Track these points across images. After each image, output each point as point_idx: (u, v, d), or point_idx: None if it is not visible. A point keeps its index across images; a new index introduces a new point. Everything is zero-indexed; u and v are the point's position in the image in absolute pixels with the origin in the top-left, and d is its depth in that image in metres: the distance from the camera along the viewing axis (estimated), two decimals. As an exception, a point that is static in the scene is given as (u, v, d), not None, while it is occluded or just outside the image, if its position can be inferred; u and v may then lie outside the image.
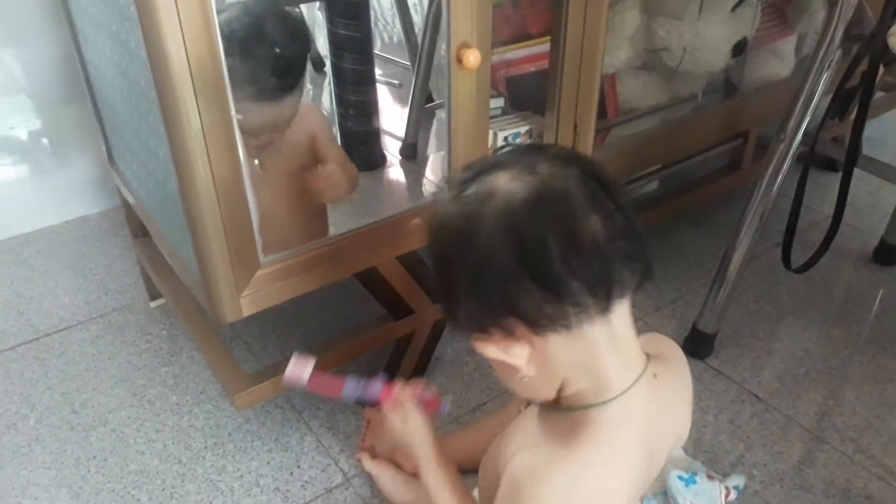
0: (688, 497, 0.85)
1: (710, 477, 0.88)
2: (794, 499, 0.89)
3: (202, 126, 0.69)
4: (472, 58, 0.81)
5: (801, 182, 0.96)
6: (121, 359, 1.12)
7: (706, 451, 0.95)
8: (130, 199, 1.04)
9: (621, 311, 0.57)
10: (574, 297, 0.53)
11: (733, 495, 0.88)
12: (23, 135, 1.38)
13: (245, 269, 0.79)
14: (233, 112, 0.71)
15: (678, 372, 0.64)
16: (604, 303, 0.54)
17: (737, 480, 0.89)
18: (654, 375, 0.60)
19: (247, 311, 0.81)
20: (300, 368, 0.72)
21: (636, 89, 1.11)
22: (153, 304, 1.23)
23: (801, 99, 0.88)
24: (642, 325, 1.15)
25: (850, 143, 0.88)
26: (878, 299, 1.23)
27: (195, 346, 1.13)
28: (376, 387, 0.72)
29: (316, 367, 0.76)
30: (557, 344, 0.56)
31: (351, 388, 0.73)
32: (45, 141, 1.41)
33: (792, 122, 0.89)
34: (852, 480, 0.91)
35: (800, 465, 0.93)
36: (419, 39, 1.36)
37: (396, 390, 0.73)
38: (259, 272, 0.80)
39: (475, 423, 0.96)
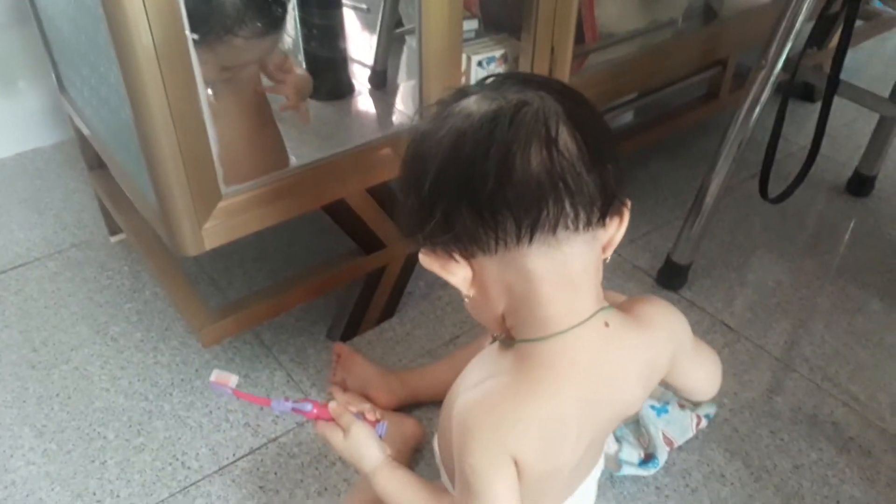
0: (660, 426, 0.86)
1: (681, 406, 0.88)
2: (762, 426, 0.90)
3: (154, 44, 0.64)
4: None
5: (781, 111, 0.93)
6: (81, 295, 1.08)
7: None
8: (84, 130, 0.98)
9: (578, 249, 0.54)
10: (498, 224, 0.52)
11: (704, 423, 0.89)
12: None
13: (206, 200, 0.75)
14: (188, 30, 0.66)
15: (645, 336, 0.61)
16: (529, 230, 0.52)
17: (707, 409, 0.90)
18: (606, 324, 0.58)
19: (209, 244, 0.78)
20: (223, 377, 0.66)
21: (614, 13, 1.06)
22: (113, 240, 1.19)
23: (783, 25, 0.85)
24: (615, 256, 1.14)
25: (831, 70, 0.85)
26: (849, 230, 1.23)
27: (158, 283, 1.10)
28: (307, 405, 0.67)
29: (239, 386, 0.68)
30: (491, 269, 0.55)
31: (279, 404, 0.68)
32: (-10, 67, 1.33)
33: (773, 49, 0.87)
34: (819, 407, 0.93)
35: (769, 392, 0.94)
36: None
37: (331, 406, 0.68)
38: (221, 203, 0.76)
39: (447, 357, 0.95)
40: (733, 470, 0.85)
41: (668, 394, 0.89)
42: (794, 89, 1.54)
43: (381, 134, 0.88)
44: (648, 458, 0.84)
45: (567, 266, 0.54)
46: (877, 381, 0.96)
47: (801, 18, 0.84)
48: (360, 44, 1.35)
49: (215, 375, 0.66)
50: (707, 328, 1.03)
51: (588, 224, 0.53)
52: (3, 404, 0.93)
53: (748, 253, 1.17)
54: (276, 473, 0.85)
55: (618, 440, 0.84)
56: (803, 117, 1.51)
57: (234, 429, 0.90)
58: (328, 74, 1.24)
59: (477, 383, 0.58)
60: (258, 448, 0.87)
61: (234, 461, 0.86)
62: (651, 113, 1.29)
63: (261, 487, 0.83)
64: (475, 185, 0.51)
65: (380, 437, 0.67)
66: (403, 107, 1.26)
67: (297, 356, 0.99)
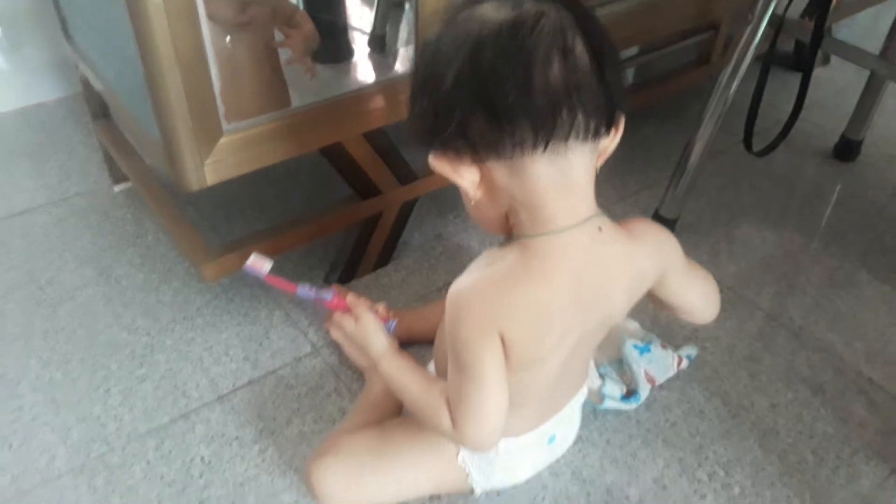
0: (642, 364, 0.90)
1: (663, 347, 0.92)
2: (741, 368, 0.94)
3: None
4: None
5: (766, 63, 0.96)
6: (85, 240, 1.12)
7: (662, 326, 0.99)
8: (90, 76, 1.01)
9: (582, 158, 0.58)
10: (516, 132, 0.55)
11: (685, 363, 0.93)
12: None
13: (208, 135, 0.78)
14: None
15: (635, 247, 0.65)
16: (544, 139, 0.56)
17: (689, 350, 0.94)
18: (599, 229, 0.61)
19: (211, 179, 0.81)
20: (260, 262, 0.73)
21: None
22: (117, 189, 1.21)
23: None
24: (606, 212, 1.17)
25: (816, 18, 0.88)
26: (834, 193, 1.26)
27: (161, 227, 1.13)
28: (328, 294, 0.73)
29: (272, 271, 0.76)
30: (500, 173, 0.58)
31: (304, 290, 0.74)
32: (-4, 21, 1.35)
33: (760, 3, 0.89)
34: (797, 352, 0.96)
35: (749, 339, 0.98)
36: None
37: (349, 297, 0.74)
38: (222, 140, 0.79)
39: (441, 299, 0.98)
40: (712, 407, 0.89)
41: (651, 335, 0.93)
42: (786, 59, 1.57)
43: (376, 79, 0.90)
44: (630, 394, 0.87)
45: (570, 172, 0.58)
46: (854, 331, 0.99)
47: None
48: (360, 10, 1.37)
49: (252, 259, 0.71)
50: (692, 279, 1.07)
51: (596, 134, 0.57)
52: (10, 337, 0.96)
53: (735, 212, 1.20)
54: (273, 402, 0.88)
55: (601, 376, 0.87)
56: (793, 86, 1.53)
57: (233, 362, 0.93)
58: (328, 37, 1.27)
59: (474, 272, 0.62)
60: (257, 379, 0.91)
61: (234, 391, 0.90)
62: (644, 76, 1.32)
63: (258, 415, 0.87)
64: (495, 93, 0.54)
65: (389, 332, 0.71)
66: (402, 70, 1.29)
67: (296, 299, 1.02)
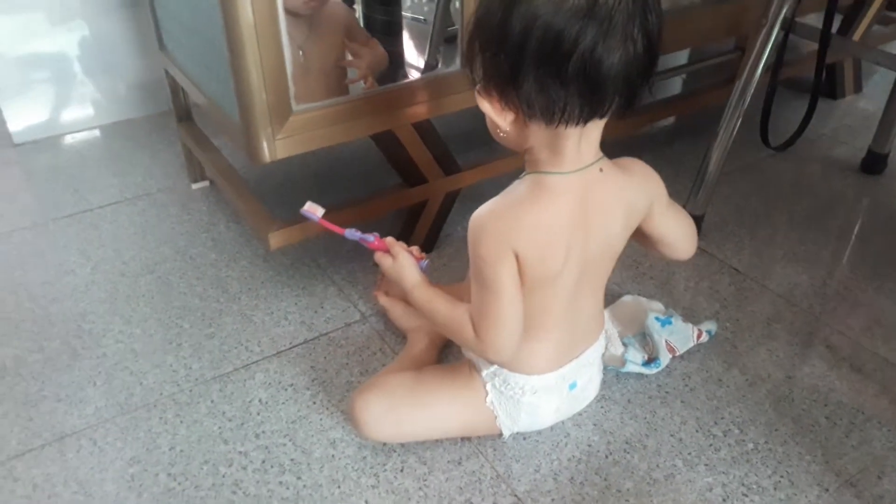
0: (663, 335, 0.97)
1: (684, 321, 0.99)
2: (760, 345, 0.99)
3: None
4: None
5: (779, 55, 1.04)
6: (165, 226, 1.25)
7: (685, 307, 1.05)
8: (179, 78, 1.16)
9: (601, 124, 0.69)
10: (568, 107, 0.64)
11: (705, 337, 0.99)
12: (76, 41, 1.51)
13: (280, 113, 0.90)
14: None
15: (625, 180, 0.74)
16: (586, 120, 0.65)
17: (709, 326, 1.01)
18: (601, 170, 0.72)
19: (281, 153, 0.93)
20: (314, 208, 0.82)
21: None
22: (194, 187, 1.36)
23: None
24: (637, 214, 1.26)
25: (825, 19, 0.97)
26: (859, 200, 1.32)
27: (231, 217, 1.26)
28: (371, 237, 0.83)
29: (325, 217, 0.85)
30: (537, 126, 0.67)
31: (351, 232, 0.83)
32: (95, 48, 1.53)
33: (773, 7, 0.99)
34: (815, 333, 1.01)
35: (769, 320, 1.04)
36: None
37: (388, 239, 0.83)
38: (292, 118, 0.92)
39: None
40: (730, 376, 0.95)
41: (673, 311, 1.00)
42: (820, 87, 1.65)
43: (425, 75, 1.02)
44: (651, 360, 0.94)
45: (588, 133, 0.69)
46: (873, 316, 1.04)
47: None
48: (416, 50, 1.52)
49: (308, 206, 0.81)
50: (716, 269, 1.13)
51: (621, 114, 0.67)
52: (97, 300, 1.09)
53: (760, 216, 1.27)
54: (325, 358, 0.98)
55: (625, 345, 0.94)
56: (825, 112, 1.61)
57: (291, 325, 1.04)
58: (384, 38, 1.40)
59: (491, 201, 0.72)
60: (311, 339, 1.01)
61: (290, 348, 1.00)
62: (677, 91, 1.42)
63: (311, 367, 0.97)
64: (560, 69, 0.61)
65: (422, 269, 0.80)
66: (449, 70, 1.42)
67: (349, 276, 1.13)
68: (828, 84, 1.66)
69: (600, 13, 0.60)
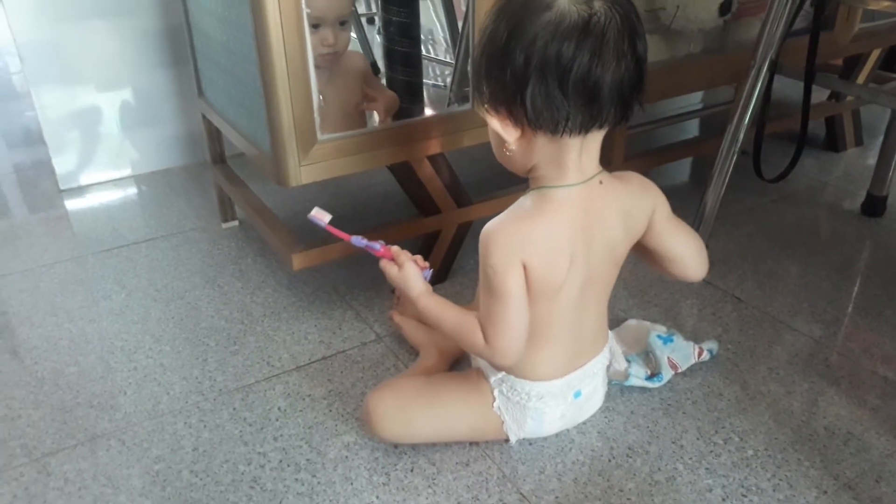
0: (665, 352, 1.01)
1: (686, 340, 1.03)
2: (760, 364, 1.03)
3: (281, 24, 0.91)
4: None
5: (767, 90, 1.11)
6: (196, 259, 1.33)
7: (688, 331, 1.09)
8: (216, 120, 1.27)
9: (600, 136, 0.76)
10: (571, 117, 0.71)
11: (706, 356, 1.03)
12: (120, 98, 1.65)
13: (306, 141, 0.99)
14: (304, 2, 0.92)
15: (624, 190, 0.81)
16: (587, 129, 0.73)
17: (710, 345, 1.05)
18: (601, 182, 0.78)
19: (306, 178, 1.01)
20: (321, 214, 0.85)
21: (640, 47, 1.30)
22: (225, 226, 1.45)
23: (767, 29, 1.06)
24: (643, 250, 1.32)
25: (808, 54, 1.05)
26: (859, 239, 1.36)
27: (258, 251, 1.34)
28: (377, 245, 0.86)
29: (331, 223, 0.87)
30: (542, 141, 0.74)
31: (358, 240, 0.86)
32: (138, 104, 1.67)
33: (761, 48, 1.07)
34: (815, 354, 1.04)
35: (770, 343, 1.07)
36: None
37: (394, 248, 0.87)
38: (316, 146, 1.00)
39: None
40: (731, 391, 0.98)
41: (675, 331, 1.04)
42: (820, 141, 1.73)
43: (440, 112, 1.11)
44: (654, 375, 0.98)
45: (588, 145, 0.76)
46: (872, 340, 1.07)
47: (781, 25, 1.05)
48: (436, 70, 1.61)
49: (315, 211, 0.85)
50: (719, 298, 1.17)
51: (618, 125, 0.74)
52: (130, 321, 1.16)
53: (763, 252, 1.32)
54: (341, 372, 1.03)
55: (628, 361, 0.99)
56: (828, 163, 1.68)
57: (311, 343, 1.09)
58: (406, 98, 1.49)
59: (503, 214, 0.78)
60: (329, 356, 1.06)
61: (309, 363, 1.05)
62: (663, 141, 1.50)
63: (328, 380, 1.02)
64: (562, 83, 0.68)
65: (425, 278, 0.85)
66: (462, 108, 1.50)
67: (366, 302, 1.19)
68: (829, 138, 1.74)
69: (594, 31, 0.67)
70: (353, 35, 1.67)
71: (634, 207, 0.81)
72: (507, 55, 0.70)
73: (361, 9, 1.88)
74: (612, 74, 0.69)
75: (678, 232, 0.86)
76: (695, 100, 1.91)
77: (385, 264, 0.86)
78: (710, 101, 1.79)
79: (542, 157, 0.76)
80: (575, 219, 0.77)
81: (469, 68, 1.06)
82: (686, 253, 0.87)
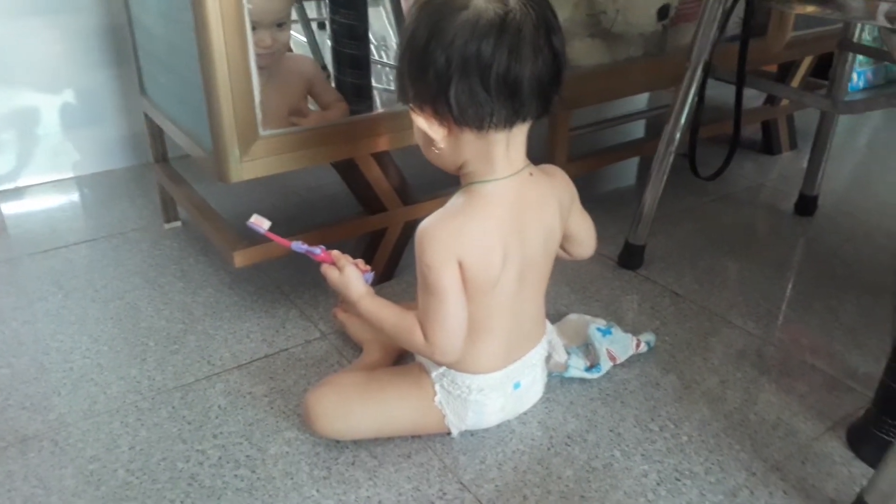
0: (604, 343, 1.03)
1: (624, 331, 1.05)
2: (696, 355, 1.05)
3: (221, 13, 0.90)
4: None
5: (701, 92, 1.15)
6: (137, 260, 1.31)
7: (628, 324, 1.12)
8: (158, 118, 1.25)
9: (525, 129, 0.78)
10: (495, 113, 0.73)
11: (644, 347, 1.06)
12: (61, 98, 1.61)
13: (247, 137, 0.99)
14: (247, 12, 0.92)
15: (551, 182, 0.84)
16: (511, 123, 0.75)
17: (648, 337, 1.07)
18: (530, 174, 0.81)
19: (247, 174, 1.01)
20: (260, 221, 0.84)
21: (582, 50, 1.33)
22: (167, 227, 1.43)
23: (701, 31, 1.10)
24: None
25: (739, 58, 1.09)
26: (793, 237, 1.41)
27: (200, 251, 1.33)
28: (317, 249, 0.85)
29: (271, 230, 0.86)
30: (469, 137, 0.76)
31: (298, 245, 0.85)
32: (79, 104, 1.63)
33: (695, 52, 1.11)
34: (749, 345, 1.08)
35: (706, 335, 1.10)
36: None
37: (334, 252, 0.87)
38: (258, 142, 1.00)
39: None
40: (667, 381, 1.00)
41: (614, 324, 1.06)
42: (756, 144, 1.78)
43: (384, 110, 1.12)
44: (593, 366, 1.00)
45: (514, 139, 0.77)
46: (801, 331, 1.11)
47: (714, 26, 1.09)
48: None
49: (253, 218, 0.84)
50: (657, 293, 1.20)
51: (541, 117, 0.76)
52: (66, 322, 1.13)
53: (701, 249, 1.35)
54: (284, 370, 1.02)
55: (568, 354, 1.00)
56: (764, 166, 1.74)
57: (253, 342, 1.08)
58: (354, 100, 1.49)
59: (435, 213, 0.79)
60: (272, 354, 1.06)
61: (251, 361, 1.04)
62: (611, 141, 1.54)
63: (270, 378, 1.01)
64: (484, 80, 0.70)
65: (367, 282, 0.86)
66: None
67: (311, 300, 1.18)
68: (766, 142, 1.80)
69: (511, 28, 0.70)
70: (304, 39, 1.68)
71: (563, 199, 0.84)
72: (428, 56, 0.71)
73: (313, 13, 1.89)
74: (530, 69, 0.71)
75: (584, 218, 0.91)
76: (641, 102, 1.95)
77: (325, 269, 0.85)
78: (656, 104, 1.83)
79: (470, 153, 0.77)
80: (507, 212, 0.79)
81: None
82: (588, 235, 0.93)
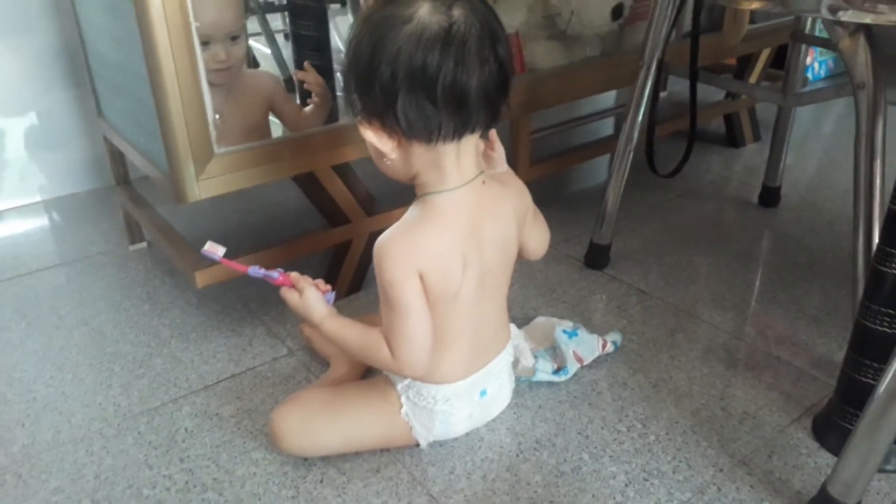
0: (570, 346, 1.03)
1: (590, 333, 1.06)
2: (663, 352, 1.06)
3: (170, 40, 0.90)
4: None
5: (654, 90, 1.16)
6: (102, 284, 1.30)
7: (594, 325, 1.12)
8: (116, 140, 1.24)
9: (474, 139, 0.77)
10: (443, 125, 0.73)
11: (610, 347, 1.06)
12: (21, 121, 1.59)
13: (202, 155, 0.98)
14: (192, 17, 0.91)
15: (506, 190, 0.84)
16: (460, 134, 0.75)
17: (614, 336, 1.08)
18: (483, 182, 0.80)
19: (204, 193, 1.00)
20: (215, 248, 0.83)
21: (540, 52, 1.33)
22: (132, 248, 1.41)
23: (652, 31, 1.11)
24: (553, 250, 1.34)
25: (691, 56, 1.10)
26: (756, 229, 1.43)
27: (166, 272, 1.31)
28: (275, 273, 0.84)
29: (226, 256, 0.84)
30: (419, 150, 0.76)
31: (255, 270, 0.84)
32: (40, 127, 1.61)
33: (647, 50, 1.12)
34: (714, 340, 1.09)
35: (672, 332, 1.11)
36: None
37: (293, 275, 0.86)
38: (214, 159, 0.99)
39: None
40: (635, 381, 1.01)
41: (580, 325, 1.07)
42: (720, 138, 1.80)
43: (344, 122, 1.12)
44: (560, 369, 1.00)
45: (464, 149, 0.77)
46: (766, 323, 1.12)
47: (665, 27, 1.10)
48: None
49: (207, 246, 0.83)
50: (624, 292, 1.21)
51: (489, 127, 0.76)
52: (30, 351, 1.11)
53: (666, 245, 1.36)
54: (251, 389, 1.02)
55: (535, 358, 1.00)
56: (726, 157, 1.75)
57: (219, 362, 1.07)
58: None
59: (391, 227, 0.79)
60: (238, 374, 1.05)
61: (218, 382, 1.03)
62: (582, 140, 1.55)
63: (237, 398, 1.00)
64: (431, 93, 0.69)
65: (327, 302, 0.85)
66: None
67: (278, 317, 1.17)
68: (729, 134, 1.81)
69: (455, 40, 0.69)
70: (269, 51, 1.67)
71: (518, 205, 0.84)
72: (373, 70, 0.70)
73: (278, 25, 1.88)
74: (477, 80, 0.70)
75: (539, 224, 0.91)
76: (609, 99, 1.96)
77: (285, 292, 0.84)
78: (624, 101, 1.84)
79: (420, 165, 0.77)
80: (463, 221, 0.78)
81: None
82: (543, 238, 0.93)
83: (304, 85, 1.15)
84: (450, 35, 0.69)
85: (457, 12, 0.70)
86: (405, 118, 0.72)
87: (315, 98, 1.14)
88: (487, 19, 0.72)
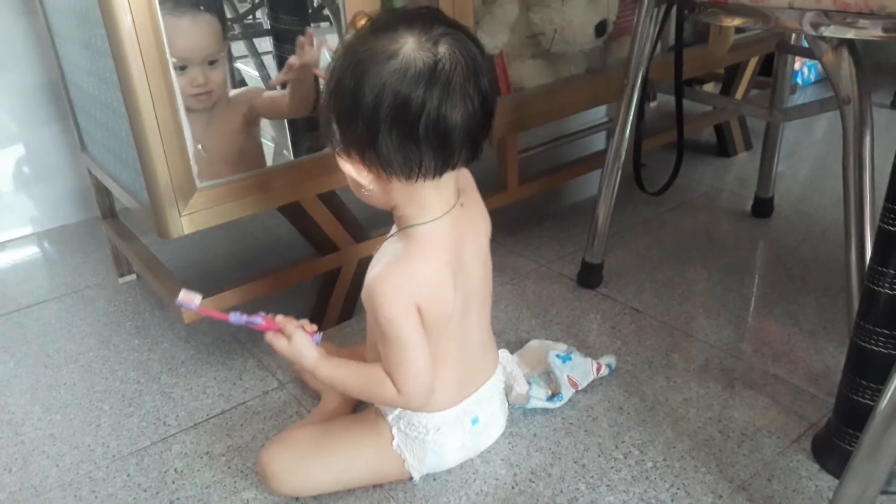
0: (564, 370, 1.02)
1: (584, 356, 1.04)
2: (659, 374, 1.05)
3: (146, 73, 0.89)
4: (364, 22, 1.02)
5: (640, 107, 1.15)
6: (91, 319, 1.28)
7: (589, 346, 1.11)
8: (100, 175, 1.23)
9: (454, 173, 0.76)
10: (424, 164, 0.71)
11: (605, 371, 1.04)
12: (9, 155, 1.58)
13: (184, 190, 0.97)
14: (171, 63, 0.91)
15: (478, 207, 0.85)
16: (441, 172, 0.73)
17: (608, 360, 1.06)
18: (461, 205, 0.80)
19: (187, 228, 0.99)
20: (190, 297, 0.80)
21: (525, 72, 1.32)
22: (122, 281, 1.40)
23: (636, 50, 1.10)
24: (545, 270, 1.33)
25: (675, 72, 1.09)
26: (750, 241, 1.41)
27: (155, 305, 1.30)
28: (258, 318, 0.82)
29: (203, 303, 0.82)
30: (397, 185, 0.74)
31: (236, 316, 0.81)
32: (28, 160, 1.60)
33: (632, 66, 1.11)
34: (711, 360, 1.07)
35: (667, 352, 1.09)
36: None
37: (278, 318, 0.83)
38: (196, 194, 0.98)
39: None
40: (631, 404, 0.99)
41: (574, 349, 1.05)
42: (711, 148, 1.79)
43: (328, 150, 1.10)
44: (555, 395, 0.98)
45: (445, 183, 0.76)
46: (763, 339, 1.11)
47: (648, 44, 1.09)
48: None
49: (182, 295, 0.80)
50: (618, 311, 1.20)
51: (471, 162, 0.75)
52: (18, 392, 1.10)
53: (660, 261, 1.35)
54: (241, 425, 1.00)
55: (529, 384, 0.99)
56: (718, 168, 1.74)
57: (209, 398, 1.06)
58: (309, 135, 1.47)
59: (376, 267, 0.77)
60: (228, 409, 1.03)
61: (208, 419, 1.02)
62: (572, 155, 1.54)
63: (228, 435, 0.98)
64: (413, 130, 0.68)
65: (316, 343, 0.83)
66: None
67: (268, 348, 1.14)
68: (720, 144, 1.81)
69: (441, 77, 0.68)
70: (257, 74, 1.66)
71: (485, 216, 0.86)
72: (356, 104, 0.69)
73: (267, 46, 1.87)
74: (461, 118, 0.69)
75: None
76: (600, 113, 1.95)
77: (271, 338, 0.82)
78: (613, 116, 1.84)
79: (400, 199, 0.76)
80: (449, 247, 0.78)
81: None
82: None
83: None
84: (435, 73, 0.67)
85: (442, 49, 0.68)
86: (386, 154, 0.71)
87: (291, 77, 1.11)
88: (473, 55, 0.70)
